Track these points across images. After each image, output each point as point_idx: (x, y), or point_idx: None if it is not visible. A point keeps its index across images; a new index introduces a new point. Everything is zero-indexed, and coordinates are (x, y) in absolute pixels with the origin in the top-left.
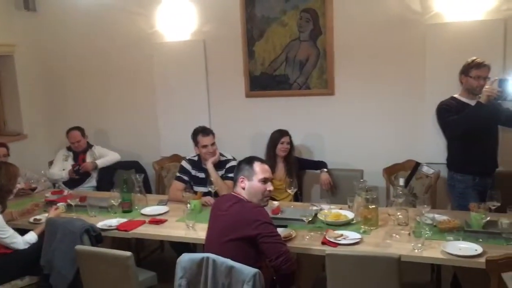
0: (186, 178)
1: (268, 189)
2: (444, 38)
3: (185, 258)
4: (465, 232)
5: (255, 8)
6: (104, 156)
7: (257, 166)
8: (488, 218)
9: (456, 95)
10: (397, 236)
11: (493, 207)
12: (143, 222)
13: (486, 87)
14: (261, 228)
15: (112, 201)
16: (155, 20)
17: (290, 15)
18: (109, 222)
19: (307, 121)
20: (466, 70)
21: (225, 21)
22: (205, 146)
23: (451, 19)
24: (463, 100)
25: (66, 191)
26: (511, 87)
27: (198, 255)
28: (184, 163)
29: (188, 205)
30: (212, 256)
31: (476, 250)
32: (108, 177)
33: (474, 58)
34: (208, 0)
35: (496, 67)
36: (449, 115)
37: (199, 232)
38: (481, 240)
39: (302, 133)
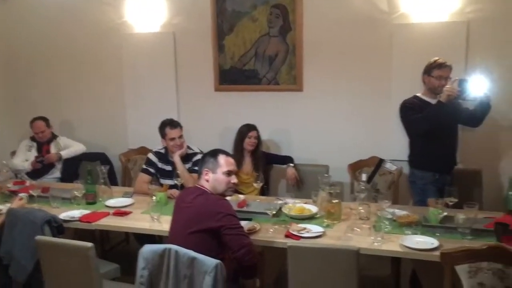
0: (152, 170)
1: (232, 181)
2: (410, 38)
3: (147, 249)
4: (423, 226)
5: (226, 2)
6: (69, 147)
7: (221, 158)
8: (445, 214)
9: (419, 94)
10: (358, 230)
11: (450, 203)
12: (107, 214)
13: (447, 86)
14: (225, 220)
15: (76, 192)
16: (125, 10)
17: (260, 10)
18: (72, 213)
19: (276, 116)
20: (429, 70)
21: (195, 14)
22: (172, 139)
23: (417, 20)
24: (426, 99)
25: (28, 182)
26: (470, 88)
27: (160, 246)
28: (150, 156)
29: (154, 198)
30: (174, 247)
31: (432, 243)
32: (73, 169)
33: (437, 58)
34: None
35: (458, 67)
36: (412, 113)
37: (164, 224)
38: (438, 234)
39: (270, 128)
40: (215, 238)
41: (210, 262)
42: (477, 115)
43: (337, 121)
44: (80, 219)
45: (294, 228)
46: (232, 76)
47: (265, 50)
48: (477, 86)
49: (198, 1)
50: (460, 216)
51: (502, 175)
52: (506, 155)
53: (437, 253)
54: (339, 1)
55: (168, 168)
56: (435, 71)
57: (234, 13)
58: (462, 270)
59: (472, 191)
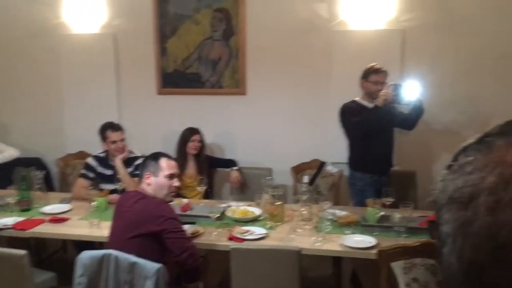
0: (91, 175)
1: (174, 185)
2: (349, 45)
3: (85, 256)
4: (362, 226)
5: (168, 4)
6: (1, 152)
7: (163, 162)
8: (383, 213)
9: (357, 99)
10: (300, 231)
11: (387, 203)
12: (42, 221)
13: (383, 91)
14: (166, 224)
15: (9, 199)
16: (61, 10)
17: (203, 14)
18: (5, 221)
19: (219, 120)
20: (366, 75)
21: (136, 15)
22: (114, 142)
23: (355, 27)
24: (363, 103)
25: None
26: (405, 92)
27: (99, 252)
28: (89, 160)
29: (93, 203)
30: (114, 252)
31: (370, 242)
32: (6, 174)
33: (373, 64)
34: None
35: (394, 73)
36: (350, 117)
37: (104, 230)
38: (376, 233)
39: (214, 131)
40: (156, 242)
41: (151, 266)
42: (411, 119)
43: (280, 124)
44: (14, 227)
45: (238, 230)
46: (175, 79)
47: (209, 53)
48: (411, 91)
49: (140, 3)
50: (396, 215)
51: (435, 175)
52: (438, 157)
53: (375, 251)
54: (281, 7)
55: (109, 172)
56: (372, 76)
57: (177, 16)
58: (397, 266)
59: (407, 192)
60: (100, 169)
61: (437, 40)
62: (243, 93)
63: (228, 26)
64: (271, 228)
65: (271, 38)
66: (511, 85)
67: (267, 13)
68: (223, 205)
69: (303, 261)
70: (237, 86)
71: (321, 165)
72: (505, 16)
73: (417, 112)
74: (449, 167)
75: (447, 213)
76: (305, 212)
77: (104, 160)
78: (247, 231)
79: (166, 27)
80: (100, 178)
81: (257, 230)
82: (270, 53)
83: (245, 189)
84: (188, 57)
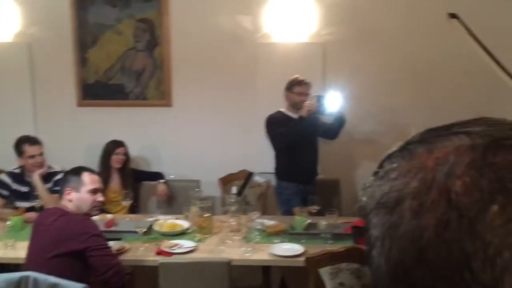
0: (5, 193)
1: (98, 200)
2: (273, 57)
3: (0, 279)
4: (290, 234)
5: (88, 14)
6: None
7: (85, 176)
8: (309, 221)
9: (282, 109)
10: (230, 242)
11: (314, 211)
12: None
13: (307, 102)
14: (90, 241)
15: None
16: None
17: (125, 24)
18: None
19: (145, 132)
20: (290, 86)
21: (54, 24)
22: (32, 157)
23: (279, 40)
24: (288, 114)
25: None
26: (327, 103)
27: (15, 275)
28: (2, 177)
29: (8, 222)
30: (32, 274)
31: (298, 250)
32: None
33: (297, 76)
34: None
35: (317, 85)
36: (276, 127)
37: (20, 251)
38: (303, 241)
39: (139, 144)
40: (80, 261)
41: (75, 287)
42: (334, 129)
43: (207, 136)
44: None
45: (166, 244)
46: (97, 91)
47: (132, 64)
48: (333, 102)
49: (56, 11)
50: (322, 222)
51: (357, 183)
52: (360, 165)
53: (303, 258)
54: (206, 19)
55: (25, 189)
56: (296, 88)
57: (97, 25)
58: (324, 272)
59: (332, 199)
60: (15, 186)
61: (356, 54)
62: (169, 104)
63: (152, 36)
64: (200, 240)
65: (196, 49)
66: (425, 96)
67: (191, 24)
68: (150, 219)
69: (233, 272)
70: (163, 98)
71: (249, 175)
72: (419, 33)
73: (339, 122)
74: (376, 173)
75: (375, 218)
76: (234, 223)
77: (19, 176)
78: (176, 245)
79: (87, 36)
80: (15, 196)
81: (186, 243)
82: (196, 64)
83: (172, 202)
84: (111, 67)
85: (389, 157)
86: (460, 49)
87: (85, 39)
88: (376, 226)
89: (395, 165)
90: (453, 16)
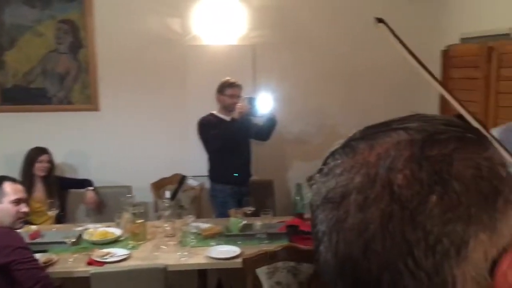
0: None
1: (21, 210)
2: (203, 59)
3: None
4: (226, 236)
5: (4, 14)
6: None
7: (7, 186)
8: (245, 222)
9: (214, 112)
10: (165, 247)
11: (249, 212)
12: None
13: (239, 104)
14: (15, 254)
15: None
16: None
17: (46, 25)
18: None
19: (70, 138)
20: (221, 89)
21: None
22: None
23: (209, 42)
24: (220, 116)
25: None
26: (259, 105)
27: None
28: None
29: None
30: None
31: (235, 251)
32: None
33: (228, 78)
34: None
35: (248, 87)
36: (208, 130)
37: None
38: (239, 242)
39: (65, 150)
40: (4, 276)
41: None
42: (266, 130)
43: (137, 140)
44: None
45: (97, 254)
46: (16, 95)
47: (54, 67)
48: (265, 104)
49: None
50: (258, 223)
51: (290, 182)
52: (292, 165)
53: (239, 259)
54: (133, 20)
55: None
56: (227, 90)
57: (14, 26)
58: (261, 272)
59: (266, 199)
60: None
61: (286, 56)
62: (95, 109)
63: (75, 38)
64: (133, 247)
65: (124, 52)
66: (354, 97)
67: (117, 25)
68: (79, 228)
69: (170, 278)
70: (89, 102)
71: (182, 179)
72: (348, 36)
73: (271, 123)
74: (320, 170)
75: (322, 213)
76: (169, 228)
77: None
78: (108, 253)
79: (3, 38)
80: None
81: (118, 252)
82: (123, 66)
83: (102, 209)
84: (30, 71)
85: (333, 154)
86: (387, 52)
87: (1, 41)
88: (323, 221)
89: (339, 161)
90: (380, 20)
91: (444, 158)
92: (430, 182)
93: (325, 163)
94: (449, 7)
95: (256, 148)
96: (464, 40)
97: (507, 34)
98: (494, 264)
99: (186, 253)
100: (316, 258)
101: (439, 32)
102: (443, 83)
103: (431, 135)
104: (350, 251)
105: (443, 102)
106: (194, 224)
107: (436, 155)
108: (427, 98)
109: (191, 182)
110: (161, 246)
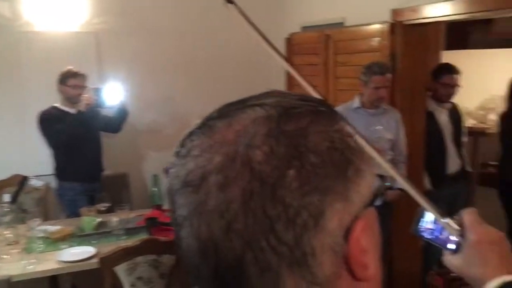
0: None
1: None
2: (39, 47)
3: None
4: (78, 237)
5: None
6: None
7: None
8: (100, 220)
9: (57, 104)
10: (7, 256)
11: (103, 209)
12: None
13: (85, 95)
14: None
15: None
16: None
17: None
18: None
19: None
20: (63, 79)
21: None
22: None
23: (43, 28)
24: (64, 109)
25: None
26: (106, 95)
27: None
28: None
29: None
30: None
31: (90, 252)
32: None
33: (70, 68)
34: None
35: (93, 76)
36: (51, 124)
37: None
38: (94, 241)
39: None
40: None
41: None
42: (116, 121)
43: None
44: None
45: None
46: None
47: None
48: (113, 94)
49: None
50: (114, 219)
51: (146, 174)
52: (147, 156)
53: (96, 260)
54: None
55: None
56: (70, 80)
57: None
58: (121, 269)
59: (122, 194)
60: None
61: (132, 44)
62: None
63: None
64: None
65: None
66: (204, 84)
67: None
68: None
69: None
70: None
71: (23, 180)
72: (195, 20)
73: (121, 114)
74: (177, 153)
75: (182, 197)
76: (10, 235)
77: None
78: None
79: None
80: None
81: None
82: None
83: None
84: None
85: (190, 135)
86: (236, 35)
87: None
88: (183, 206)
89: (197, 142)
90: (229, 1)
91: (300, 132)
92: (288, 157)
93: (182, 145)
94: None
95: (107, 141)
96: (304, 28)
97: (341, 23)
98: (348, 231)
99: (33, 260)
100: (177, 245)
101: (282, 20)
102: (289, 59)
103: (286, 110)
104: (212, 233)
105: (290, 82)
106: (41, 227)
107: (292, 130)
108: (276, 80)
109: (34, 182)
110: (3, 256)
